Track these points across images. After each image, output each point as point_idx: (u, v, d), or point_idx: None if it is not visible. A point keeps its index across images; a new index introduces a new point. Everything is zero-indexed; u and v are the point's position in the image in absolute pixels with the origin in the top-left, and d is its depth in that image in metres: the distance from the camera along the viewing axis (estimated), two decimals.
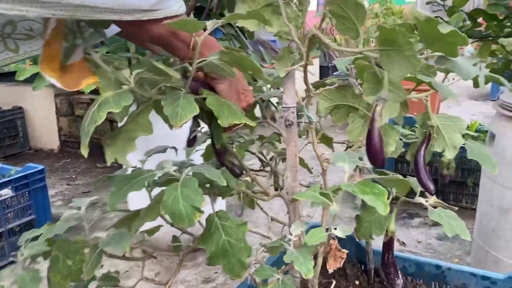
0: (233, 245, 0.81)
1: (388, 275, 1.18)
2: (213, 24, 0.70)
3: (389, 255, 1.15)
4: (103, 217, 0.96)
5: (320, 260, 1.03)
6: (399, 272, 1.16)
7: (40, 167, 2.20)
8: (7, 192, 2.06)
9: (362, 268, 1.33)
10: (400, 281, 1.18)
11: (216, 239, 0.81)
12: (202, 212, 0.73)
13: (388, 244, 1.14)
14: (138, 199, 0.95)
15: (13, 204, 2.09)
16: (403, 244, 2.24)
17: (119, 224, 0.86)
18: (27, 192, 2.13)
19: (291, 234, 0.88)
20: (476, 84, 0.76)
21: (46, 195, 2.24)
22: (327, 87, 0.86)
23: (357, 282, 1.29)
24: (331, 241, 0.87)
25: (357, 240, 1.31)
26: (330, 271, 0.89)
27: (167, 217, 0.93)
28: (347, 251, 0.90)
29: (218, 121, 0.73)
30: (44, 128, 4.09)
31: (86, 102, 3.78)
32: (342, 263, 0.89)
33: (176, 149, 0.96)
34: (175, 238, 0.97)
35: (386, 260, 1.16)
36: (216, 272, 1.93)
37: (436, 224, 2.28)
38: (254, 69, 0.76)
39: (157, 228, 0.99)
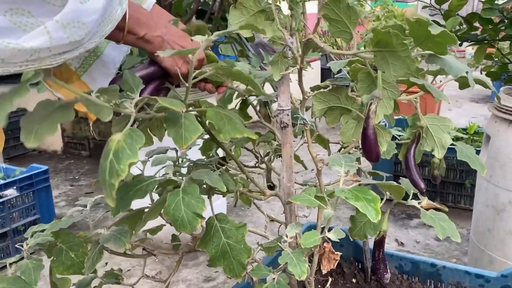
0: (233, 247, 0.83)
1: (378, 270, 1.21)
2: (206, 42, 0.72)
3: (380, 252, 1.18)
4: (106, 216, 1.00)
5: (316, 259, 1.06)
6: (387, 267, 1.19)
7: (44, 167, 2.24)
8: (12, 192, 2.10)
9: (359, 267, 1.36)
10: (388, 275, 1.21)
11: (216, 241, 0.83)
12: (203, 218, 0.75)
13: (379, 242, 1.17)
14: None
15: (18, 204, 2.13)
16: (402, 244, 2.27)
17: (121, 222, 0.89)
18: (31, 192, 2.16)
19: (286, 235, 0.91)
20: (461, 86, 0.79)
21: (50, 195, 2.27)
22: (321, 90, 0.89)
23: (354, 280, 1.32)
24: (325, 244, 0.90)
25: (352, 239, 1.34)
26: (324, 272, 0.92)
27: None
28: (341, 253, 0.93)
29: (220, 135, 0.75)
30: None
31: None
32: (335, 264, 0.92)
33: (177, 151, 0.99)
34: (174, 237, 1.00)
35: (376, 257, 1.19)
36: (217, 272, 1.96)
37: None
38: (252, 84, 0.79)
39: (159, 228, 1.02)
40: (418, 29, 0.65)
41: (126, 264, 1.96)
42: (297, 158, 1.24)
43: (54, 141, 4.13)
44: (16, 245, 2.02)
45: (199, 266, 2.00)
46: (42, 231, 0.85)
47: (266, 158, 1.21)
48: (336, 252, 0.89)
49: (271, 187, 1.25)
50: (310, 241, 0.83)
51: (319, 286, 1.28)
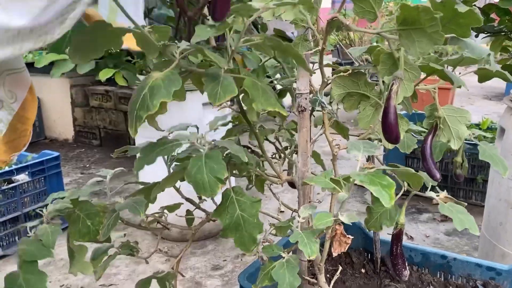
0: (246, 220, 0.84)
1: (396, 266, 1.20)
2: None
3: (398, 247, 1.18)
4: (125, 188, 1.01)
5: (327, 246, 1.06)
6: (406, 263, 1.18)
7: (56, 153, 2.26)
8: (23, 177, 2.12)
9: (369, 257, 1.35)
10: (407, 273, 1.20)
11: (230, 212, 0.84)
12: (224, 183, 0.77)
13: (397, 236, 1.16)
14: (153, 177, 0.99)
15: (29, 189, 2.15)
16: (411, 238, 2.26)
17: (137, 193, 0.91)
18: (43, 178, 2.18)
19: (299, 216, 0.91)
20: (481, 78, 0.78)
21: (61, 181, 2.29)
22: (341, 74, 0.88)
23: (363, 270, 1.31)
24: (337, 226, 0.89)
25: (366, 230, 1.34)
26: (334, 254, 0.91)
27: (184, 192, 0.97)
28: (352, 237, 0.93)
29: (252, 104, 0.76)
30: (59, 118, 4.16)
31: (100, 93, 3.83)
32: (346, 248, 0.92)
33: (197, 128, 0.99)
34: (188, 213, 1.01)
35: (394, 252, 1.18)
36: (225, 260, 1.96)
37: (444, 220, 2.29)
38: (298, 58, 0.79)
39: (177, 205, 1.03)
40: (443, 10, 0.64)
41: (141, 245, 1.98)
42: (317, 158, 1.25)
43: (65, 130, 4.16)
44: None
45: (207, 254, 2.01)
46: (63, 198, 0.87)
47: (287, 152, 1.20)
48: (347, 236, 0.88)
49: (288, 174, 1.24)
50: (322, 222, 0.83)
51: (328, 275, 1.27)
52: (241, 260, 1.96)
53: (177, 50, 0.73)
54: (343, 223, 1.29)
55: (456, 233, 2.16)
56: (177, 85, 0.68)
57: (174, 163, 0.99)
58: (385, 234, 1.29)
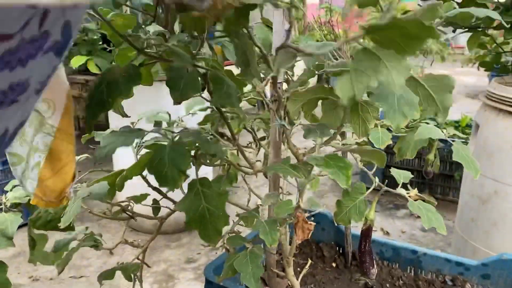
0: (212, 212, 0.82)
1: (363, 263, 1.19)
2: None
3: (366, 244, 1.16)
4: (89, 176, 0.98)
5: (294, 239, 1.04)
6: (374, 261, 1.17)
7: None
8: None
9: (340, 251, 1.34)
10: (374, 271, 1.19)
11: (195, 204, 0.82)
12: (187, 176, 0.75)
13: (365, 232, 1.15)
14: (123, 164, 0.96)
15: (1, 178, 2.09)
16: (388, 233, 2.26)
17: (102, 179, 0.88)
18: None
19: (262, 205, 0.89)
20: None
21: None
22: (296, 90, 0.85)
23: (333, 264, 1.30)
24: (298, 213, 0.88)
25: (336, 224, 1.33)
26: (298, 242, 0.90)
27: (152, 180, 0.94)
28: (315, 224, 0.91)
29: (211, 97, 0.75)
30: None
31: (80, 83, 3.76)
32: (309, 234, 0.90)
33: (169, 114, 0.97)
34: (155, 201, 0.98)
35: (362, 248, 1.17)
36: (199, 253, 1.94)
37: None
38: None
39: (144, 196, 1.00)
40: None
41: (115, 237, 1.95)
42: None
43: None
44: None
45: (181, 247, 1.98)
46: None
47: (263, 142, 1.18)
48: (310, 222, 0.87)
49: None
50: (283, 210, 0.81)
51: (298, 269, 1.26)
52: (216, 253, 1.94)
53: (142, 40, 0.71)
54: (315, 215, 1.28)
55: (432, 229, 2.17)
56: (137, 82, 0.66)
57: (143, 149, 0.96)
58: (358, 228, 1.28)
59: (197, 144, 0.95)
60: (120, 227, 2.08)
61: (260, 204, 1.02)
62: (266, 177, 1.17)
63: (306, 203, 0.86)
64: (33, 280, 1.76)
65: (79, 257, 1.86)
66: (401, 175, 1.09)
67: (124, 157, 1.19)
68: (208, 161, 1.05)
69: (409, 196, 1.02)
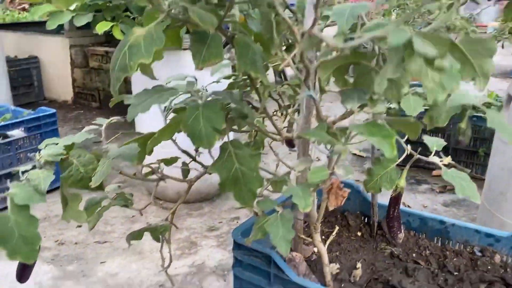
0: (245, 174, 0.81)
1: (391, 228, 1.18)
2: None
3: (395, 210, 1.15)
4: (119, 138, 0.99)
5: (323, 206, 1.03)
6: (402, 227, 1.16)
7: (52, 110, 2.22)
8: (19, 133, 2.09)
9: (365, 221, 1.33)
10: (401, 235, 1.18)
11: (228, 166, 0.81)
12: (221, 134, 0.74)
13: (395, 199, 1.14)
14: (147, 130, 0.95)
15: (25, 145, 2.12)
16: (409, 207, 2.24)
17: (133, 141, 0.88)
18: (38, 135, 2.15)
19: (294, 170, 0.88)
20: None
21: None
22: (327, 59, 0.82)
23: (359, 233, 1.30)
24: (333, 179, 0.87)
25: (365, 193, 1.32)
26: (331, 208, 0.89)
27: (181, 144, 0.94)
28: (349, 190, 0.90)
29: (236, 63, 0.73)
30: (59, 79, 4.11)
31: (100, 54, 3.77)
32: (343, 202, 0.89)
33: (196, 79, 0.96)
34: (184, 164, 0.98)
35: (391, 214, 1.16)
36: (221, 222, 1.95)
37: (442, 191, 2.27)
38: None
39: (174, 159, 1.00)
40: None
41: (130, 212, 1.97)
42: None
43: (64, 91, 4.11)
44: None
45: (203, 216, 2.00)
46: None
47: (289, 110, 1.17)
48: (344, 189, 0.86)
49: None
50: (317, 175, 0.80)
51: (323, 237, 1.25)
52: (237, 222, 1.95)
53: (166, 1, 0.69)
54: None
55: (454, 204, 2.15)
56: (159, 44, 0.64)
57: (171, 114, 0.95)
58: (383, 199, 1.27)
59: (229, 106, 0.94)
60: (141, 195, 2.11)
61: (290, 171, 1.01)
62: (291, 146, 1.16)
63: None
64: (58, 244, 1.79)
65: (103, 224, 1.89)
66: (434, 143, 1.07)
67: (148, 123, 1.18)
68: (238, 126, 1.04)
69: (442, 164, 1.00)
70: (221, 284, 1.54)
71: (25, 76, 4.02)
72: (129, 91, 2.79)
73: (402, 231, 1.13)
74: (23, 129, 2.09)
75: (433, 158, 1.01)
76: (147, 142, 0.89)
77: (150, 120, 1.47)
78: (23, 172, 0.86)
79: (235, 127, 1.03)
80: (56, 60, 4.05)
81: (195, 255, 1.71)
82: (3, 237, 0.70)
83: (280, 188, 0.93)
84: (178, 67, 1.69)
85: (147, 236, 0.97)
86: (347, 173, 0.83)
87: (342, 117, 0.94)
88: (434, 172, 2.43)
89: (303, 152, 1.03)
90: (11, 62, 3.81)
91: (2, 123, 2.02)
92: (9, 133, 2.05)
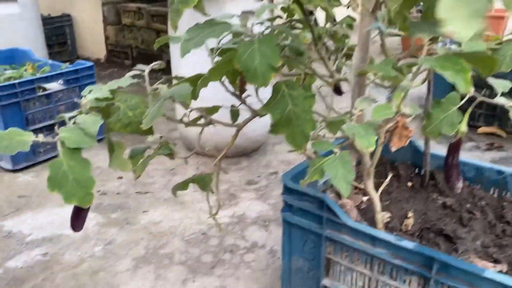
0: (299, 115, 0.77)
1: (450, 177, 1.12)
2: None
3: (454, 157, 1.09)
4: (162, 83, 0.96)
5: (378, 150, 0.99)
6: (460, 176, 1.10)
7: (90, 63, 2.21)
8: (58, 86, 2.09)
9: (416, 172, 1.28)
10: (460, 185, 1.12)
11: (282, 107, 0.77)
12: (277, 71, 0.70)
13: (455, 146, 1.08)
14: (190, 71, 0.92)
15: (64, 98, 2.13)
16: None
17: (183, 81, 0.84)
18: (77, 87, 2.16)
19: (355, 108, 0.83)
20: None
21: None
22: None
23: (409, 184, 1.25)
24: (399, 118, 0.82)
25: (415, 143, 1.26)
26: (393, 149, 0.85)
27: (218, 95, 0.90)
28: (412, 129, 0.85)
29: None
30: (92, 37, 4.10)
31: (133, 11, 3.72)
32: (407, 142, 0.85)
33: (252, 12, 0.91)
34: (233, 106, 0.95)
35: (450, 162, 1.10)
36: (259, 176, 1.94)
37: (490, 148, 2.18)
38: None
39: (215, 108, 0.97)
40: None
41: (171, 164, 1.97)
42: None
43: (97, 49, 4.11)
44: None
45: (241, 170, 1.99)
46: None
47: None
48: (409, 128, 0.81)
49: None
50: (381, 113, 0.75)
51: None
52: (275, 177, 1.93)
53: None
54: None
55: (502, 161, 2.06)
56: None
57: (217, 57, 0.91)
58: (435, 149, 1.21)
59: (281, 45, 0.89)
60: (179, 150, 2.10)
61: (351, 110, 0.96)
62: (338, 93, 1.10)
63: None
64: (101, 194, 1.82)
65: (144, 176, 1.90)
66: (501, 85, 0.99)
67: (185, 68, 1.12)
68: (291, 65, 0.99)
69: (510, 106, 0.94)
70: (263, 233, 1.54)
71: (59, 34, 4.03)
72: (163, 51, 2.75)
73: (461, 180, 1.08)
74: (61, 82, 2.09)
75: (499, 99, 0.95)
76: (197, 83, 0.86)
77: (188, 65, 1.43)
78: (69, 119, 0.84)
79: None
80: (88, 18, 4.04)
81: (235, 206, 1.70)
82: (58, 181, 0.69)
83: (337, 129, 0.89)
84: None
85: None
86: (414, 111, 0.78)
87: (408, 54, 0.88)
88: (480, 130, 2.33)
89: (358, 94, 0.98)
90: (45, 20, 3.81)
91: (42, 75, 2.03)
92: (47, 86, 2.05)
